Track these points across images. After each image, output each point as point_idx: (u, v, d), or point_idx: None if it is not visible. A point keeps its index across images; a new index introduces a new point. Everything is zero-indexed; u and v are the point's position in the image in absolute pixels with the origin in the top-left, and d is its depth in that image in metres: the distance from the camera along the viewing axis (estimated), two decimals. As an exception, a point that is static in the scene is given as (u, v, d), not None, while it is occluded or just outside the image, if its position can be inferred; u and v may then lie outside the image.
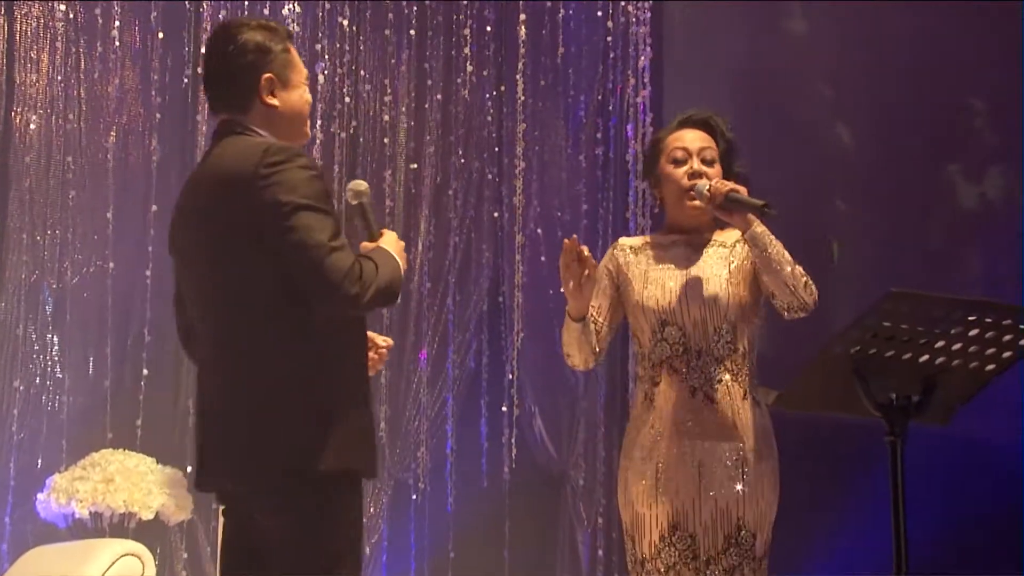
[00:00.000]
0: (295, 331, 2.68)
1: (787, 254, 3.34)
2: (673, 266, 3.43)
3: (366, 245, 2.87)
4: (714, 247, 3.46)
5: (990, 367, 2.63)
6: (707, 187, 3.37)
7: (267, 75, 2.81)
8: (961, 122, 6.67)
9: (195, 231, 2.79)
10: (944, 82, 6.61)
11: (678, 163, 3.48)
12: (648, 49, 6.30)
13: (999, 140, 6.59)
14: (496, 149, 6.31)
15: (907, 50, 6.72)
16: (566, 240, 3.32)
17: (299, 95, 2.86)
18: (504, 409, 6.16)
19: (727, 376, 3.37)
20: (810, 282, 3.35)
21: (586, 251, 3.31)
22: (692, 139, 3.50)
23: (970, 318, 2.54)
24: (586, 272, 3.30)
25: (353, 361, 2.78)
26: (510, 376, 6.16)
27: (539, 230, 6.31)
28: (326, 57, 5.81)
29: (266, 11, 5.84)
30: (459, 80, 6.20)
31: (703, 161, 3.46)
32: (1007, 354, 2.60)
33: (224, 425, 2.73)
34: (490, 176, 6.30)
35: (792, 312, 3.37)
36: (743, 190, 3.33)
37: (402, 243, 2.89)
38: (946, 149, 6.65)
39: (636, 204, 6.28)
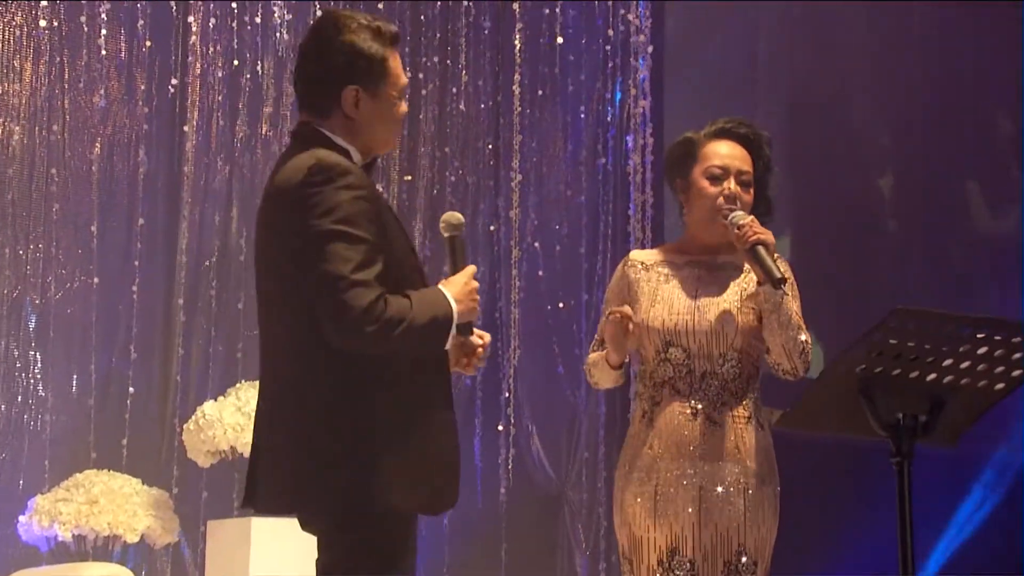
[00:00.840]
0: (338, 358, 2.61)
1: (797, 317, 3.32)
2: (683, 286, 3.42)
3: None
4: (728, 271, 3.45)
5: (999, 386, 2.64)
6: (740, 221, 3.32)
7: (353, 87, 2.74)
8: (985, 139, 6.70)
9: (258, 243, 2.79)
10: (965, 91, 6.65)
11: (714, 180, 3.43)
12: (648, 58, 6.32)
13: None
14: (492, 161, 6.32)
15: (922, 56, 6.75)
16: (617, 314, 3.30)
17: (388, 107, 2.77)
18: (500, 428, 6.15)
19: (731, 398, 3.38)
20: (808, 352, 3.34)
21: (628, 311, 3.32)
22: (732, 157, 3.43)
23: (978, 335, 2.55)
24: (630, 328, 3.32)
25: (414, 387, 2.67)
26: (506, 394, 6.16)
27: (536, 244, 6.32)
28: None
29: (257, 18, 5.86)
30: (454, 90, 6.21)
31: (742, 183, 3.42)
32: (1016, 372, 2.61)
33: (268, 457, 2.69)
34: (485, 188, 6.32)
35: (780, 373, 3.38)
36: (771, 242, 3.29)
37: (472, 285, 2.73)
38: (968, 166, 6.68)
39: (636, 217, 6.30)
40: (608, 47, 6.39)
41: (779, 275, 3.25)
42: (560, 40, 6.32)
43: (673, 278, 3.43)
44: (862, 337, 2.57)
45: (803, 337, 3.33)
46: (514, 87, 6.25)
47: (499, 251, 6.28)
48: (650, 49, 6.34)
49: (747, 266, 3.44)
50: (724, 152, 3.45)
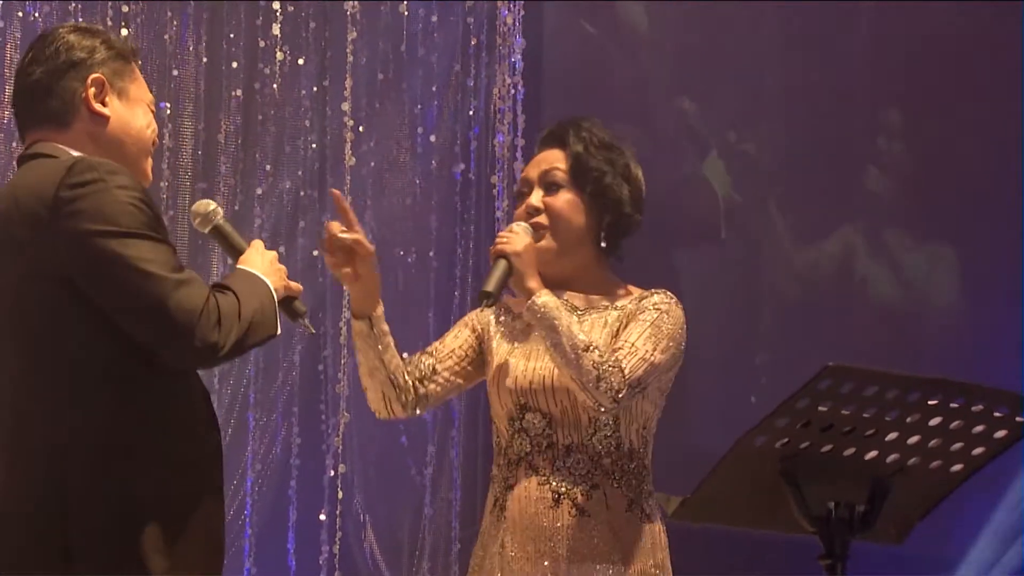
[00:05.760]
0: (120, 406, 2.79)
1: (580, 337, 3.30)
2: (539, 333, 3.43)
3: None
4: (598, 311, 3.48)
5: (956, 467, 2.68)
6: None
7: (97, 75, 2.93)
8: (870, 145, 6.97)
9: None
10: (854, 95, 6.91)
11: (521, 198, 3.54)
12: (520, 37, 6.35)
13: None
14: (316, 165, 6.30)
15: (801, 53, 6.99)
16: (330, 225, 3.38)
17: (138, 113, 2.99)
18: (323, 517, 6.12)
19: (605, 479, 3.39)
20: (608, 377, 3.28)
21: (344, 227, 3.35)
22: (534, 164, 3.54)
23: (930, 402, 2.59)
24: (358, 252, 3.36)
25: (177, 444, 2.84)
26: (331, 472, 6.13)
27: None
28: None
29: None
30: (267, 71, 6.18)
31: (548, 187, 3.48)
32: (978, 450, 2.65)
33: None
34: (308, 201, 6.28)
35: (593, 412, 3.37)
36: (518, 253, 3.34)
37: (271, 254, 3.01)
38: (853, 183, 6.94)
39: (504, 241, 6.32)
40: (471, 19, 6.41)
41: (490, 289, 3.31)
42: (407, 8, 6.33)
43: (529, 326, 3.44)
44: (785, 403, 2.59)
45: (596, 358, 3.28)
46: (346, 66, 6.23)
47: (325, 282, 6.25)
48: (523, 16, 6.35)
49: (618, 302, 3.47)
50: (532, 162, 3.56)
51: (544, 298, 3.33)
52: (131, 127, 2.97)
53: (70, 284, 2.77)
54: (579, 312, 3.47)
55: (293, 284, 3.07)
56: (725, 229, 6.94)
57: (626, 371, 3.31)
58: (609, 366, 3.29)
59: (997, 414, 2.62)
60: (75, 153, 2.88)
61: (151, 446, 2.80)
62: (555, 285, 3.46)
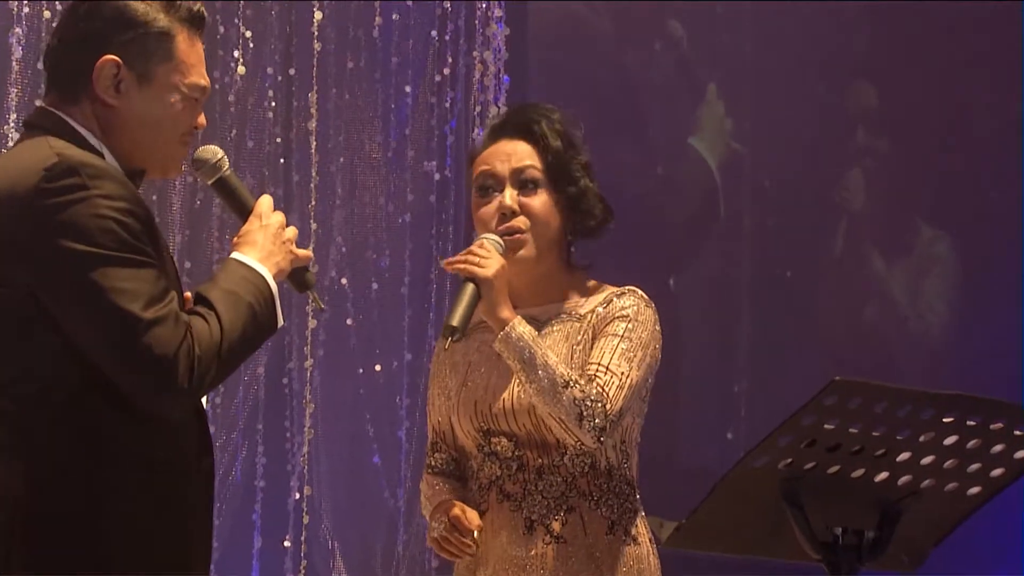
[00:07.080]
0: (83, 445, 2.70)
1: (559, 372, 3.28)
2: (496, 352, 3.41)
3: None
4: (561, 321, 3.47)
5: (974, 490, 2.69)
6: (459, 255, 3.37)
7: (109, 58, 2.80)
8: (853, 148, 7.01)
9: None
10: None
11: (485, 192, 3.46)
12: (502, 23, 6.35)
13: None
14: (281, 160, 6.29)
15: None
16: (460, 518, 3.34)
17: (164, 102, 2.84)
18: (287, 544, 6.11)
19: (581, 500, 3.39)
20: (591, 415, 3.28)
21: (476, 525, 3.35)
22: (502, 156, 3.46)
23: (945, 420, 2.60)
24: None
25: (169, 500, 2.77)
26: (297, 495, 6.12)
27: (344, 280, 6.30)
28: (23, 23, 5.72)
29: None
30: (227, 58, 6.17)
31: (522, 184, 3.44)
32: (997, 471, 2.66)
33: None
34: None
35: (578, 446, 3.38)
36: (487, 279, 3.29)
37: (274, 224, 2.90)
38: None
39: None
40: (448, 3, 6.40)
41: (456, 323, 3.26)
42: (379, -9, 6.33)
43: (488, 340, 3.41)
44: (787, 421, 2.59)
45: (577, 393, 3.27)
46: (313, 57, 6.22)
47: (288, 289, 6.22)
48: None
49: (589, 307, 3.46)
50: (497, 153, 3.48)
51: (520, 329, 3.31)
52: (148, 116, 2.83)
53: (36, 299, 2.68)
54: (540, 323, 3.45)
55: (301, 252, 2.97)
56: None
57: (608, 405, 3.31)
58: (591, 401, 3.29)
59: (1017, 432, 2.62)
60: (87, 136, 2.80)
61: (125, 491, 2.71)
62: (521, 296, 3.44)
